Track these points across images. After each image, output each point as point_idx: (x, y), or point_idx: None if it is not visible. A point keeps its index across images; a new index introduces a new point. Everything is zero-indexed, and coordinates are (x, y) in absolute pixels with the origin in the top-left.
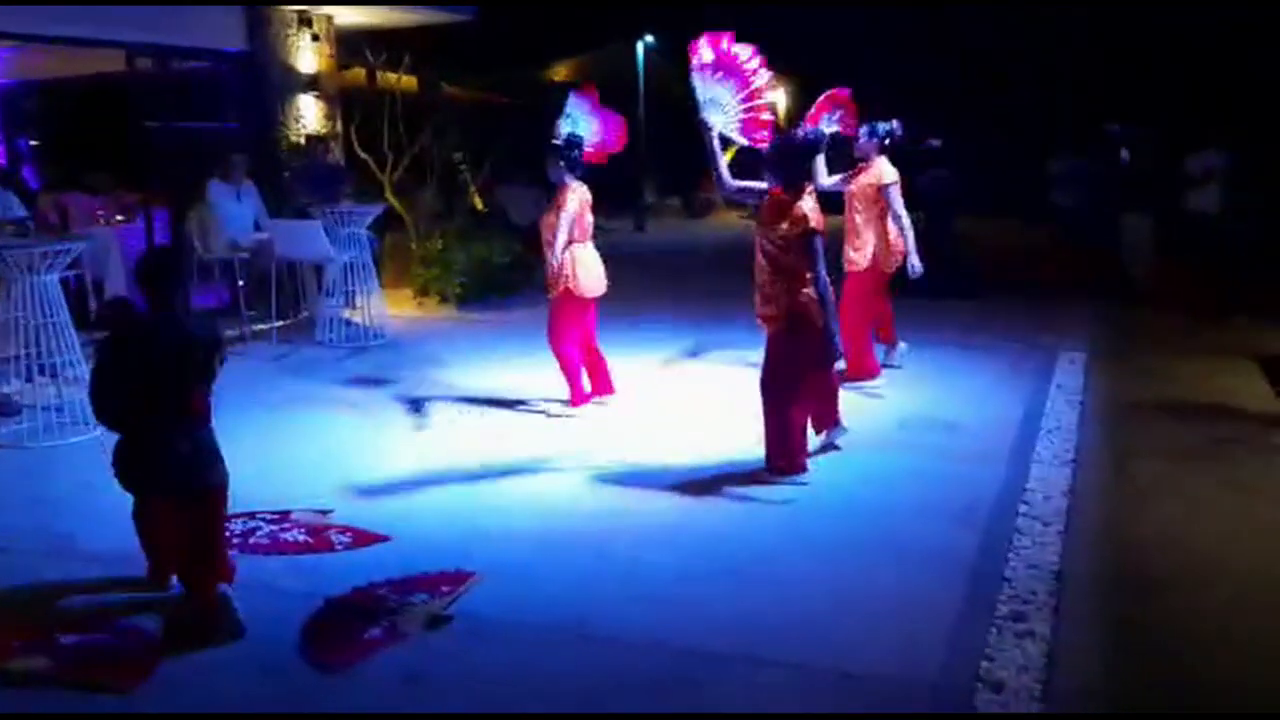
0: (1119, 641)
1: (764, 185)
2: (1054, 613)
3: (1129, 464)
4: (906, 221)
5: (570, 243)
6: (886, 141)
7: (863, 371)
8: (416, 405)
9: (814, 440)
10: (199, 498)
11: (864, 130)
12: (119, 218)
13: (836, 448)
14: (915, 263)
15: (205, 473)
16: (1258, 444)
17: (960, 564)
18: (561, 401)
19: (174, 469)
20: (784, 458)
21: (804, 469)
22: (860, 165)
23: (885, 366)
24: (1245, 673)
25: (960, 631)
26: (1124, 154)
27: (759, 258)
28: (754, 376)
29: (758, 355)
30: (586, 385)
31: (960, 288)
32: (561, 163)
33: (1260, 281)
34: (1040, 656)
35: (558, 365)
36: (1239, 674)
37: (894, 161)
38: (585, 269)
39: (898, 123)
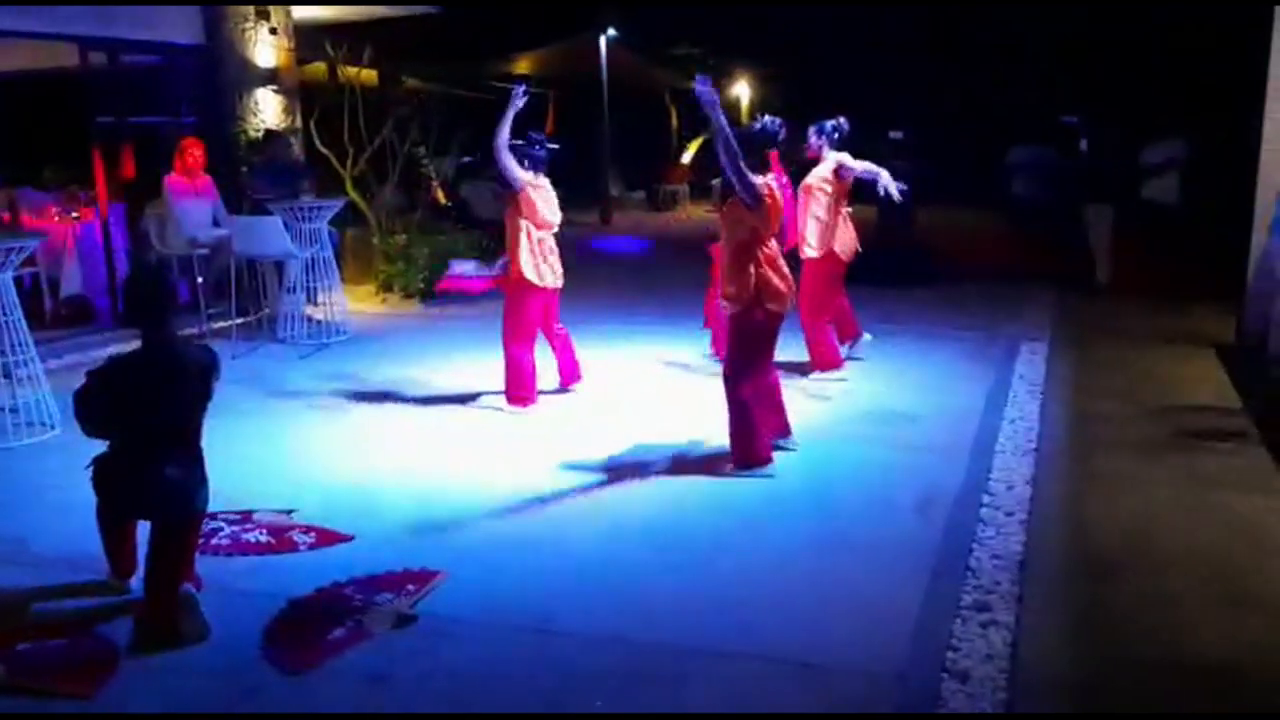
0: (1083, 629)
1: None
2: (1018, 602)
3: (1091, 453)
4: (871, 165)
5: (528, 235)
6: (835, 136)
7: (825, 362)
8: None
9: None
10: (178, 525)
11: (812, 130)
12: (74, 215)
13: (790, 449)
14: (893, 189)
15: (189, 499)
16: (1216, 433)
17: (924, 555)
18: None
19: (160, 495)
20: (748, 451)
21: (768, 460)
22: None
23: (848, 358)
24: (1209, 659)
25: (925, 622)
26: (1083, 144)
27: (721, 239)
28: (719, 369)
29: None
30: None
31: (918, 275)
32: (525, 161)
33: (1218, 270)
34: (1005, 646)
35: (505, 362)
36: (1203, 659)
37: (852, 155)
38: (540, 258)
39: (843, 119)
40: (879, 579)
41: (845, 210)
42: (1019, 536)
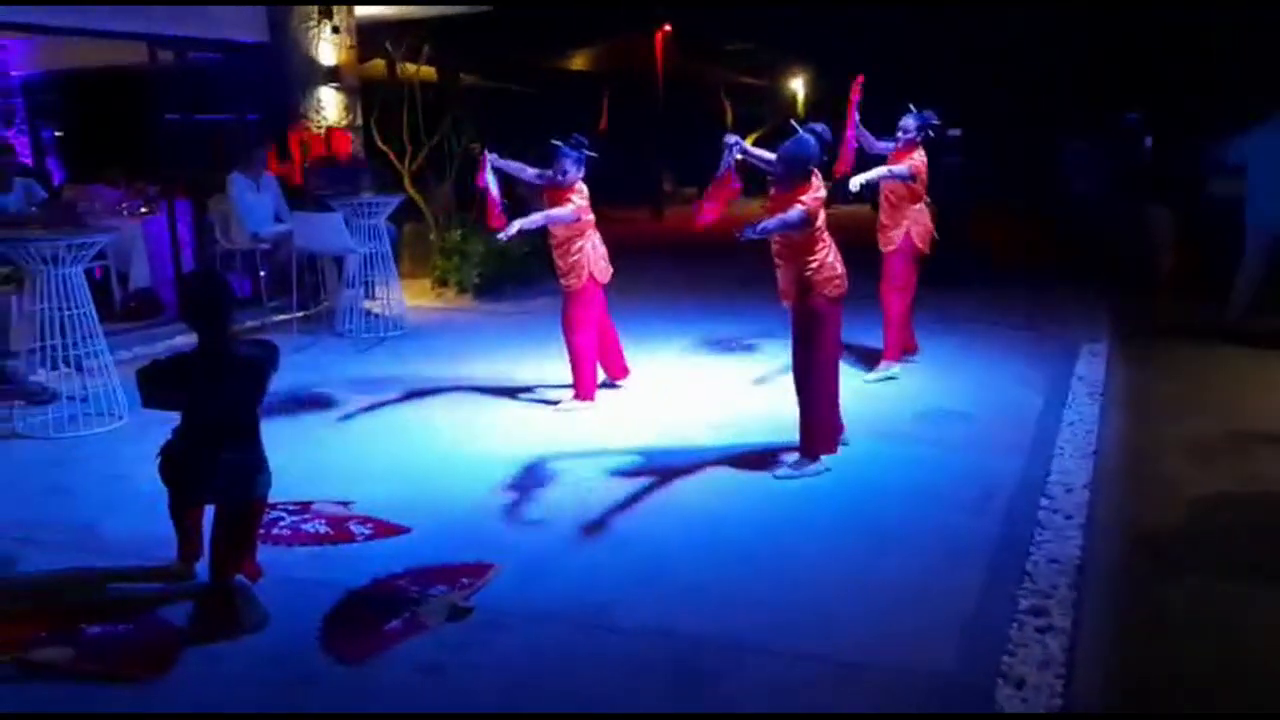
0: (1142, 637)
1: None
2: (1075, 607)
3: (1152, 457)
4: (879, 172)
5: (585, 233)
6: (931, 134)
7: (904, 348)
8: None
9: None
10: (240, 508)
11: (913, 118)
12: (143, 210)
13: (843, 444)
14: (873, 174)
15: (249, 485)
16: None
17: (979, 557)
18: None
19: (220, 481)
20: (814, 441)
21: (831, 451)
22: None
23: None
24: (1275, 669)
25: (978, 625)
26: (1146, 142)
27: (774, 242)
28: (769, 363)
29: (773, 343)
30: (601, 375)
31: (973, 273)
32: (567, 161)
33: None
34: (1062, 652)
35: (570, 357)
36: (1265, 670)
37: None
38: (601, 255)
39: (933, 114)
40: (932, 581)
41: (913, 207)
42: (1077, 540)
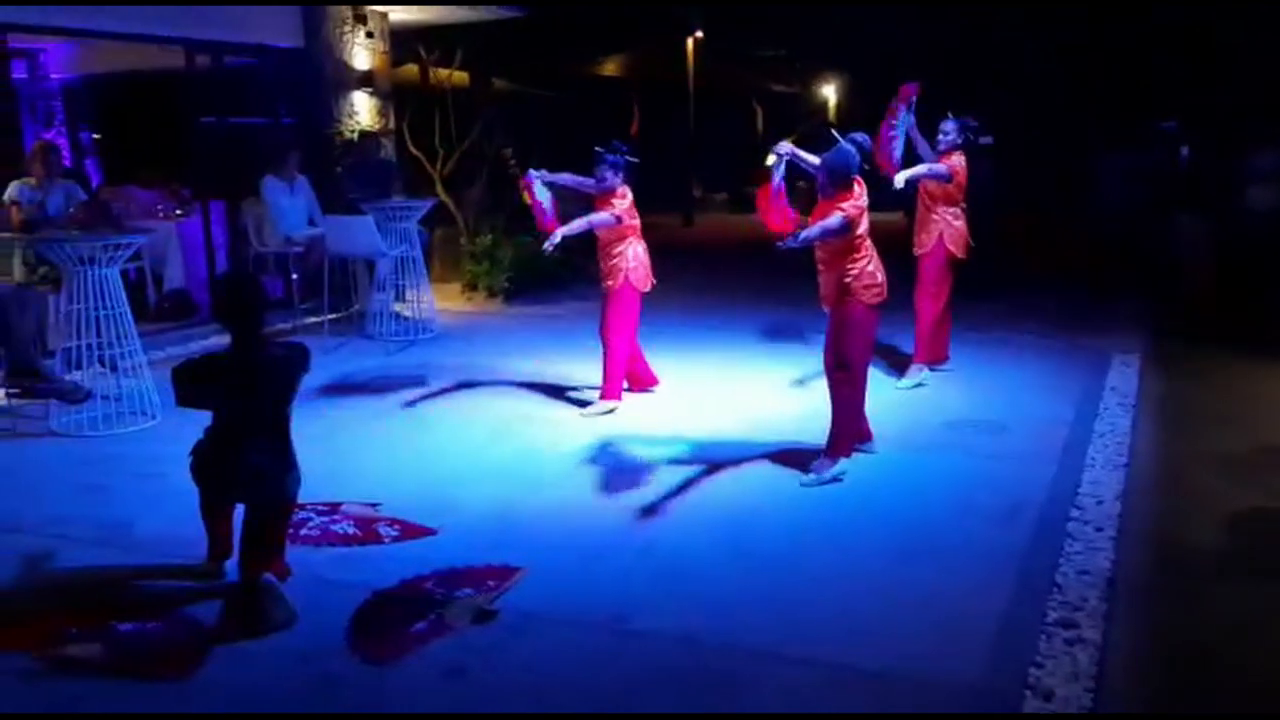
0: (1173, 651)
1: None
2: (1106, 620)
3: (1185, 471)
4: (921, 170)
5: (626, 238)
6: (970, 138)
7: (935, 356)
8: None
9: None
10: (268, 508)
11: (954, 125)
12: (178, 212)
13: (871, 453)
14: (915, 171)
15: (278, 486)
16: None
17: (1007, 567)
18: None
19: (248, 478)
20: (839, 444)
21: (846, 455)
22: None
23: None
24: None
25: (1007, 637)
26: (1184, 151)
27: (817, 248)
28: (798, 368)
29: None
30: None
31: (1004, 281)
32: (605, 168)
33: None
34: (1091, 665)
35: (605, 357)
36: None
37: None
38: (642, 263)
39: (976, 122)
40: (960, 590)
41: (947, 210)
42: (1108, 553)
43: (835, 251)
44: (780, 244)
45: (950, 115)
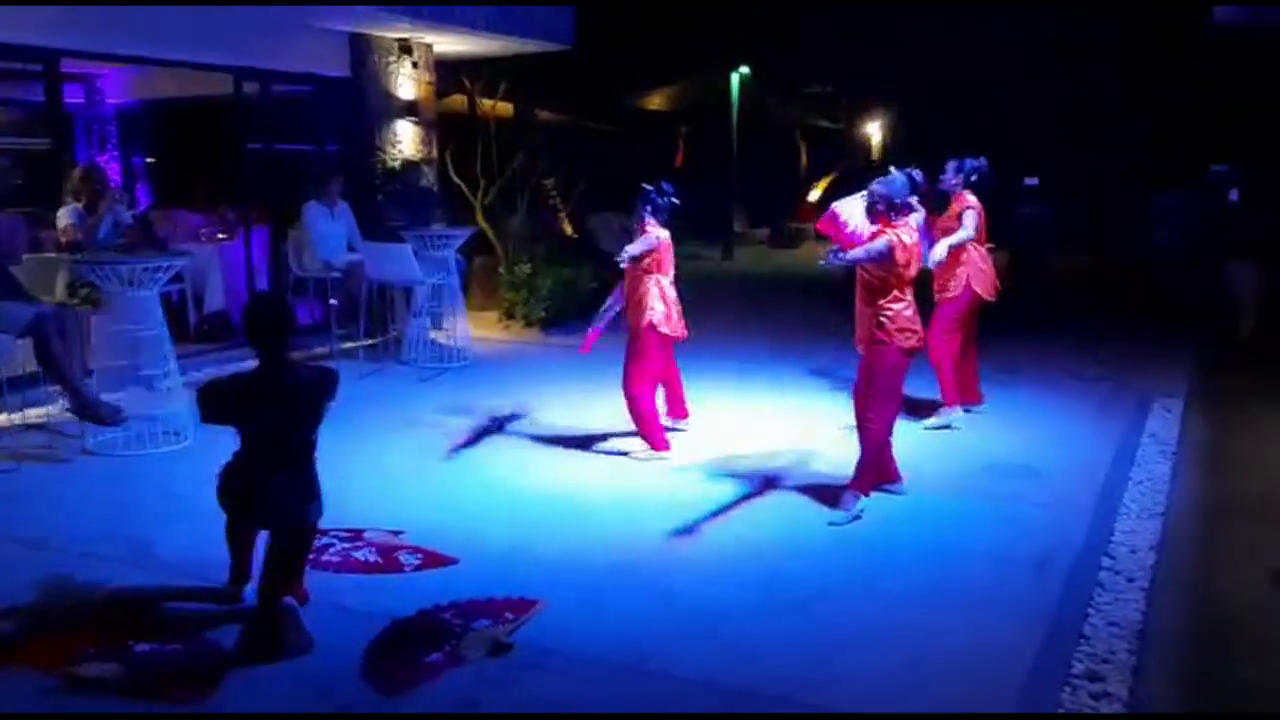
0: (1202, 708)
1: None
2: (1134, 674)
3: (1223, 522)
4: (962, 235)
5: (649, 274)
6: (973, 179)
7: (966, 398)
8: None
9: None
10: (291, 533)
11: (952, 166)
12: (221, 235)
13: (899, 494)
14: (935, 255)
15: (300, 512)
16: None
17: (1035, 617)
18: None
19: (270, 504)
20: (859, 479)
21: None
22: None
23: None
24: None
25: (1031, 688)
26: (1233, 195)
27: (857, 286)
28: (831, 406)
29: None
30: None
31: (1047, 321)
32: (647, 207)
33: None
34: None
35: (631, 413)
36: None
37: (987, 197)
38: (669, 304)
39: (984, 161)
40: (986, 638)
41: (974, 250)
42: (1139, 604)
43: (874, 289)
44: (823, 261)
45: (952, 159)
